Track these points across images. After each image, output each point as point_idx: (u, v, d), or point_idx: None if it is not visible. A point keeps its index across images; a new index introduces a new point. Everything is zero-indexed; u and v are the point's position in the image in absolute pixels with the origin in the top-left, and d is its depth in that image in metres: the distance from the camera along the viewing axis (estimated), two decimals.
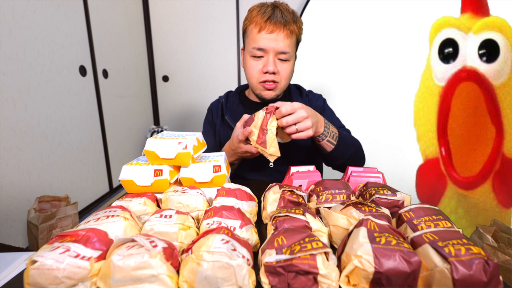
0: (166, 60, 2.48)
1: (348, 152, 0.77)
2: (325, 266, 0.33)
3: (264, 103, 0.89)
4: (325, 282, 0.33)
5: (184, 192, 0.54)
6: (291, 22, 0.76)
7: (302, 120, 0.62)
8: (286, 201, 0.52)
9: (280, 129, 0.65)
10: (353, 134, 0.89)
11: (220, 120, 0.94)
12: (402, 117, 1.60)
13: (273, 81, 0.80)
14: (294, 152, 0.88)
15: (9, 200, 1.25)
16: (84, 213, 1.70)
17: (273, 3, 0.80)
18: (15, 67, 1.26)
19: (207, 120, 0.98)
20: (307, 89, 0.98)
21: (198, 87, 2.49)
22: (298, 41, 0.83)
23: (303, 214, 0.44)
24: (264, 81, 0.80)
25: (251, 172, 0.89)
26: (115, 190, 2.06)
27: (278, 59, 0.79)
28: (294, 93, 0.93)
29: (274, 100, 0.85)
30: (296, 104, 0.63)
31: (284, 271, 0.33)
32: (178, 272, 0.36)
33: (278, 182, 0.58)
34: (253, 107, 0.91)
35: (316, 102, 0.93)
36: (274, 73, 0.79)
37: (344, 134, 0.78)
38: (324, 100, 0.97)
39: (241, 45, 0.87)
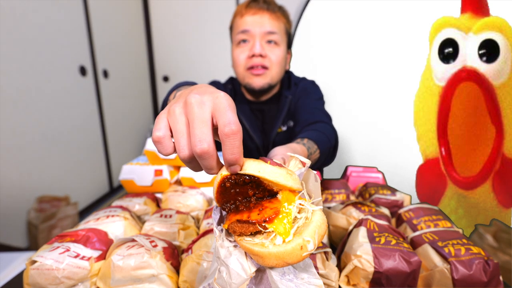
0: (166, 60, 2.48)
1: (322, 159, 0.64)
2: (325, 266, 0.33)
3: (254, 95, 0.81)
4: (325, 281, 0.33)
5: (184, 192, 0.54)
6: (275, 8, 0.73)
7: None
8: None
9: None
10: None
11: None
12: (402, 117, 1.61)
13: (262, 66, 0.73)
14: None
15: (9, 200, 1.25)
16: (84, 213, 1.70)
17: None
18: (15, 67, 1.26)
19: (212, 82, 0.89)
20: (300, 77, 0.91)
21: None
22: (288, 32, 0.78)
23: None
24: (251, 67, 0.73)
25: None
26: (115, 190, 2.05)
27: (267, 41, 0.72)
28: (282, 84, 0.86)
29: (264, 90, 0.77)
30: None
31: None
32: (178, 272, 0.36)
33: None
34: (243, 101, 0.84)
35: (302, 88, 0.84)
36: (261, 55, 0.71)
37: (323, 147, 0.61)
38: (312, 82, 0.88)
39: None
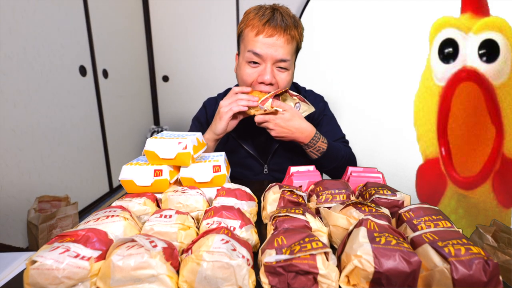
0: (166, 60, 2.48)
1: (332, 165, 0.77)
2: (325, 266, 0.33)
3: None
4: (325, 282, 0.33)
5: (184, 192, 0.54)
6: (292, 27, 0.71)
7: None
8: (286, 201, 0.51)
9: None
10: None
11: None
12: (402, 117, 1.60)
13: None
14: (289, 154, 0.87)
15: (9, 200, 1.25)
16: (84, 213, 1.70)
17: (272, 5, 0.74)
18: (15, 67, 1.26)
19: (196, 118, 0.94)
20: (307, 89, 0.94)
21: (198, 87, 2.50)
22: (298, 49, 0.77)
23: (303, 214, 0.44)
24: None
25: (247, 172, 0.88)
26: (115, 190, 2.06)
27: (277, 67, 0.72)
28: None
29: None
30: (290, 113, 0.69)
31: (284, 271, 0.33)
32: (178, 272, 0.36)
33: (278, 182, 0.58)
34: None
35: (317, 102, 0.88)
36: (271, 83, 0.72)
37: (334, 148, 0.76)
38: (326, 104, 0.90)
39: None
